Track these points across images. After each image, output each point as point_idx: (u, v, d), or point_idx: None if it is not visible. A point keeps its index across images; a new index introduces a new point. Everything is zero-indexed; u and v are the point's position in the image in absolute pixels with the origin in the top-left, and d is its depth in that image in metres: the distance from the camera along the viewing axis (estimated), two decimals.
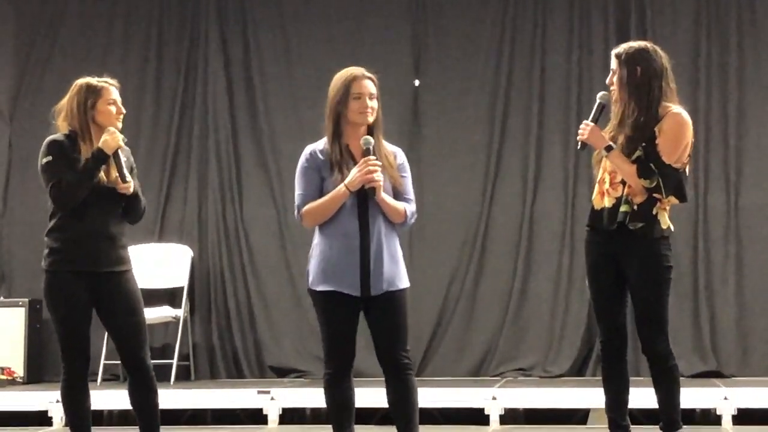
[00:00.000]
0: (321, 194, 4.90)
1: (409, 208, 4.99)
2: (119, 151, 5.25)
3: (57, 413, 7.45)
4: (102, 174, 5.20)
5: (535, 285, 8.69)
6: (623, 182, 5.04)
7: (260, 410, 7.56)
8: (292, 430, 7.50)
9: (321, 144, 4.99)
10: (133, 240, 5.49)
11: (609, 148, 5.03)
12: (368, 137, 4.91)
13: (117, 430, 7.62)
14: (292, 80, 9.04)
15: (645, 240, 5.02)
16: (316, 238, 4.97)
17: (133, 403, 5.35)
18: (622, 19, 8.73)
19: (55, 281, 5.21)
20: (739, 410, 7.08)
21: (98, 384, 8.31)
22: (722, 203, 8.54)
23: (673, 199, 5.08)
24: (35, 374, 8.69)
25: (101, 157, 5.16)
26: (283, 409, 7.55)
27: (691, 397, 6.88)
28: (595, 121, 5.11)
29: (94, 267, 5.20)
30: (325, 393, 4.94)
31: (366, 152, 4.87)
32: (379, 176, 4.83)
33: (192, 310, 8.88)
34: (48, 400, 7.54)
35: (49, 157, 5.19)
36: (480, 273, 8.75)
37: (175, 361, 8.49)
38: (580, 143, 5.12)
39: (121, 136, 5.24)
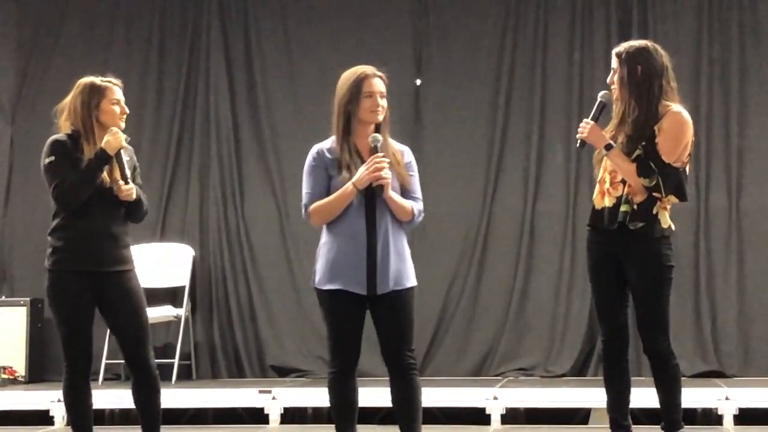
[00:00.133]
0: (328, 193, 4.89)
1: (417, 206, 4.98)
2: (122, 151, 5.25)
3: (58, 412, 7.45)
4: (105, 174, 5.20)
5: (536, 284, 8.69)
6: (623, 182, 5.04)
7: (261, 410, 7.56)
8: (294, 430, 7.49)
9: (328, 143, 4.98)
10: (134, 239, 5.48)
11: (609, 147, 5.03)
12: (377, 135, 4.90)
13: (118, 430, 7.62)
14: (294, 79, 9.05)
15: (646, 239, 5.02)
16: (324, 237, 4.96)
17: (136, 402, 5.35)
18: (623, 18, 8.74)
19: (58, 280, 5.21)
20: (741, 410, 7.07)
21: (99, 383, 8.31)
22: (724, 203, 8.54)
23: (673, 198, 5.07)
24: (36, 373, 8.69)
25: (104, 158, 5.16)
26: (285, 409, 7.55)
27: (693, 396, 6.88)
28: (596, 119, 5.11)
29: (97, 266, 5.20)
30: (329, 392, 4.94)
31: (374, 150, 4.86)
32: (387, 173, 4.82)
33: (193, 310, 8.89)
34: (49, 399, 7.54)
35: (52, 157, 5.19)
36: (481, 272, 8.76)
37: (176, 361, 8.49)
38: (579, 141, 5.12)
39: (123, 136, 5.24)
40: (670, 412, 5.08)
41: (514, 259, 8.72)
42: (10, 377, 8.55)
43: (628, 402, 5.19)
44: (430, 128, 8.89)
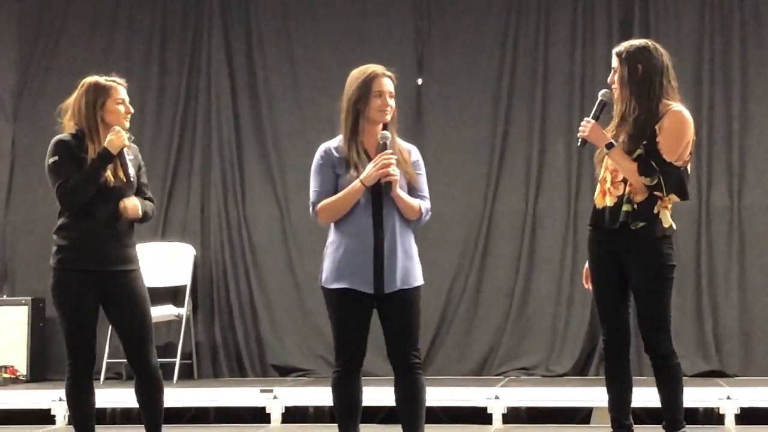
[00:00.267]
0: (336, 192, 4.88)
1: (424, 204, 4.97)
2: (126, 150, 5.26)
3: (60, 411, 7.46)
4: (109, 173, 5.20)
5: (537, 284, 8.68)
6: (624, 181, 5.04)
7: (263, 409, 7.56)
8: (295, 429, 7.50)
9: (336, 141, 4.97)
10: (136, 239, 5.49)
11: (610, 146, 5.03)
12: (385, 132, 4.90)
13: (119, 429, 7.62)
14: (296, 78, 9.05)
15: (647, 239, 5.02)
16: (331, 236, 4.95)
17: (139, 401, 5.37)
18: (625, 18, 8.74)
19: (63, 279, 5.22)
20: (742, 409, 7.08)
21: (101, 382, 8.32)
22: (725, 202, 8.54)
23: (675, 198, 5.07)
24: (38, 372, 8.70)
25: (106, 157, 5.17)
26: (286, 408, 7.55)
27: (694, 396, 6.88)
28: (596, 118, 5.11)
29: (102, 266, 5.22)
30: (333, 391, 4.92)
31: (383, 147, 4.86)
32: (395, 170, 4.81)
33: (195, 309, 8.89)
34: (51, 398, 7.55)
35: (56, 157, 5.21)
36: (483, 272, 8.75)
37: (177, 360, 8.50)
38: (580, 140, 5.11)
39: (126, 135, 5.25)
40: (671, 411, 5.07)
41: (515, 258, 8.72)
42: (12, 376, 8.55)
43: (629, 401, 5.19)
44: (431, 128, 8.89)
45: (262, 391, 7.59)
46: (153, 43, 9.21)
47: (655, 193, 5.01)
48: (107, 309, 5.29)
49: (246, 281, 8.95)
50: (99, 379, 8.32)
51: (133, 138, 5.34)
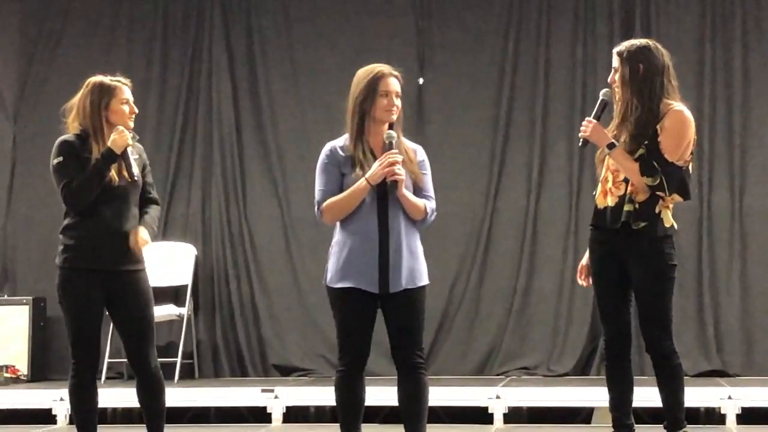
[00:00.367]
0: (341, 191, 4.88)
1: (430, 204, 4.97)
2: (130, 149, 5.26)
3: (61, 411, 7.46)
4: (113, 173, 5.20)
5: (539, 284, 8.68)
6: (626, 181, 5.04)
7: (264, 408, 7.56)
8: (296, 429, 7.50)
9: (341, 140, 4.97)
10: None
11: (611, 146, 5.02)
12: (391, 131, 4.91)
13: (120, 429, 7.62)
14: (296, 78, 9.04)
15: (648, 239, 5.01)
16: (336, 236, 4.95)
17: (140, 401, 5.37)
18: (626, 18, 8.73)
19: (68, 278, 5.23)
20: (744, 409, 7.08)
21: (102, 382, 8.31)
22: (727, 202, 8.53)
23: (677, 197, 5.07)
24: (39, 372, 8.69)
25: (110, 157, 5.17)
26: (287, 408, 7.55)
27: (696, 396, 6.89)
28: (598, 118, 5.10)
29: (107, 265, 5.22)
30: (336, 390, 4.92)
31: (388, 146, 4.86)
32: (400, 169, 4.81)
33: (196, 309, 8.89)
34: (52, 398, 7.54)
35: (60, 158, 5.21)
36: (484, 271, 8.75)
37: (178, 360, 8.50)
38: (582, 140, 5.11)
39: (130, 135, 5.25)
40: (672, 411, 5.07)
41: (516, 257, 8.72)
42: (13, 376, 8.55)
43: (630, 401, 5.18)
44: (432, 127, 8.88)
45: (263, 390, 7.59)
46: (154, 43, 9.20)
47: (658, 193, 5.01)
48: (111, 308, 5.30)
49: (247, 281, 8.94)
50: (100, 378, 8.31)
51: (137, 137, 5.34)
